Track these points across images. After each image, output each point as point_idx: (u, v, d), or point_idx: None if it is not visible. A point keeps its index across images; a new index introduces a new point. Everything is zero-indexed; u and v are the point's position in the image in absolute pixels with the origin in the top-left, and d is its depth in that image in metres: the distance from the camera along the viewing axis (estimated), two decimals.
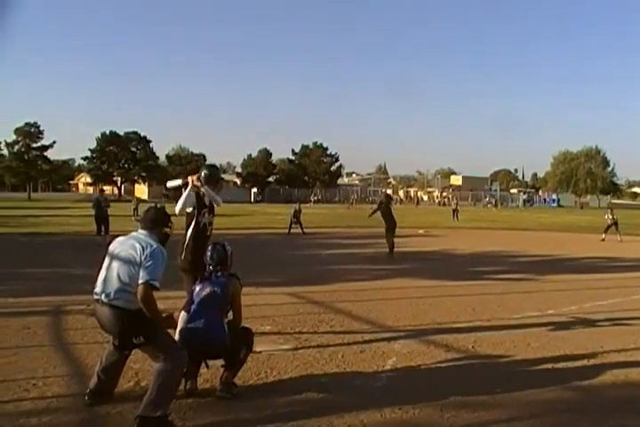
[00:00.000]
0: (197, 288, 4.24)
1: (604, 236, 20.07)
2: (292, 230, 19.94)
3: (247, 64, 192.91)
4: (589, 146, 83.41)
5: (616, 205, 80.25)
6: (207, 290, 4.17)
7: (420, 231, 22.64)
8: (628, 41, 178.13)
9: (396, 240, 13.67)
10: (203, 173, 5.18)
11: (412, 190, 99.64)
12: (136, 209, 28.68)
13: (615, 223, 20.46)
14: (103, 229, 15.27)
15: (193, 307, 4.14)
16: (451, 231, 23.26)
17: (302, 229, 20.15)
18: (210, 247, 4.38)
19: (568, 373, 4.72)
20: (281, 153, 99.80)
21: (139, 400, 3.89)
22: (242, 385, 4.23)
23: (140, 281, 3.53)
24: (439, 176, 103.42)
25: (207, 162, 74.54)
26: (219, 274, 4.26)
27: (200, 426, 3.59)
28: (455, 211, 32.89)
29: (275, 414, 3.74)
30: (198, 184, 5.06)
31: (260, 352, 5.03)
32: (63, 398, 3.96)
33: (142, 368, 4.54)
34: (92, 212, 15.88)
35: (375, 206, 14.78)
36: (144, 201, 49.85)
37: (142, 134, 70.20)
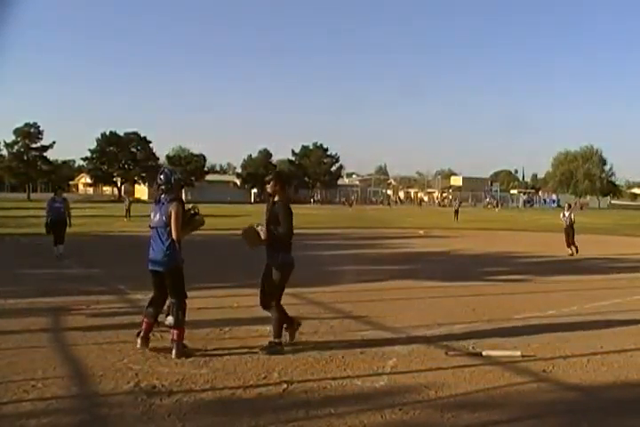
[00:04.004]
0: (152, 215, 5.08)
1: (570, 250, 14.77)
2: None
3: (248, 64, 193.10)
4: (586, 146, 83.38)
5: (617, 206, 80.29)
6: (157, 217, 5.03)
7: (420, 232, 22.65)
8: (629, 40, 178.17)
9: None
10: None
11: (412, 191, 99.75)
12: (128, 210, 28.53)
13: (571, 226, 15.01)
14: (55, 237, 11.90)
15: (152, 232, 5.07)
16: (451, 232, 23.26)
17: None
18: (160, 171, 5.26)
19: (568, 373, 4.71)
20: (281, 154, 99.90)
21: (138, 401, 3.90)
22: (242, 386, 4.24)
23: None
24: (439, 177, 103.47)
25: (207, 162, 74.71)
26: (165, 200, 5.02)
27: None
28: (457, 212, 33.12)
29: (275, 414, 3.73)
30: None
31: (259, 353, 5.04)
32: (62, 399, 3.95)
33: (142, 369, 4.55)
34: (46, 217, 12.16)
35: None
36: (141, 201, 49.87)
37: (142, 135, 70.38)
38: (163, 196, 5.08)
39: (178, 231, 4.93)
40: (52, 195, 12.72)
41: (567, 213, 15.37)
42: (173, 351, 4.89)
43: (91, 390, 4.14)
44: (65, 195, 12.93)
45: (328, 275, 10.17)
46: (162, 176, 5.11)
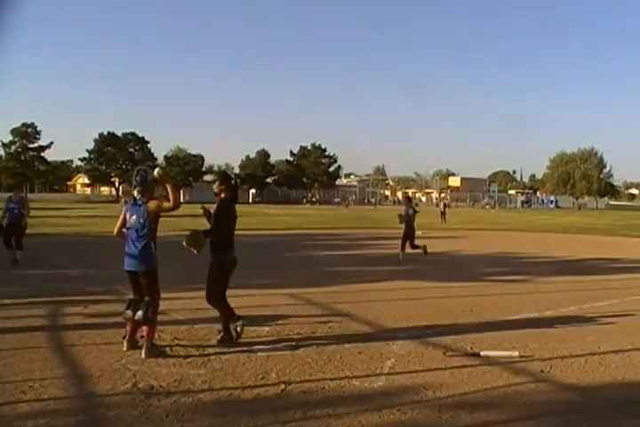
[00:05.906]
0: (128, 216, 4.98)
1: (401, 256, 12.33)
2: None
3: (246, 65, 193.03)
4: (585, 147, 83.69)
5: (614, 207, 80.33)
6: (133, 218, 4.94)
7: (419, 233, 22.64)
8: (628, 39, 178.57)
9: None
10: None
11: (410, 191, 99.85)
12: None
13: (411, 225, 12.35)
14: (14, 242, 10.78)
15: (128, 233, 4.98)
16: (449, 232, 23.26)
17: None
18: (135, 172, 5.10)
19: (566, 373, 4.71)
20: (279, 154, 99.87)
21: (136, 402, 3.89)
22: (240, 386, 4.23)
23: None
24: (437, 177, 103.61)
25: (205, 163, 74.59)
26: (141, 201, 4.94)
27: None
28: (443, 213, 31.81)
29: (273, 415, 3.73)
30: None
31: (257, 353, 5.04)
32: (60, 400, 3.94)
33: (140, 370, 4.54)
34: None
35: None
36: None
37: (140, 135, 70.26)
38: (139, 197, 4.99)
39: (176, 199, 4.86)
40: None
41: (406, 209, 12.75)
42: (142, 350, 4.89)
43: (88, 390, 4.13)
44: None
45: (326, 275, 10.17)
46: (137, 177, 4.99)
